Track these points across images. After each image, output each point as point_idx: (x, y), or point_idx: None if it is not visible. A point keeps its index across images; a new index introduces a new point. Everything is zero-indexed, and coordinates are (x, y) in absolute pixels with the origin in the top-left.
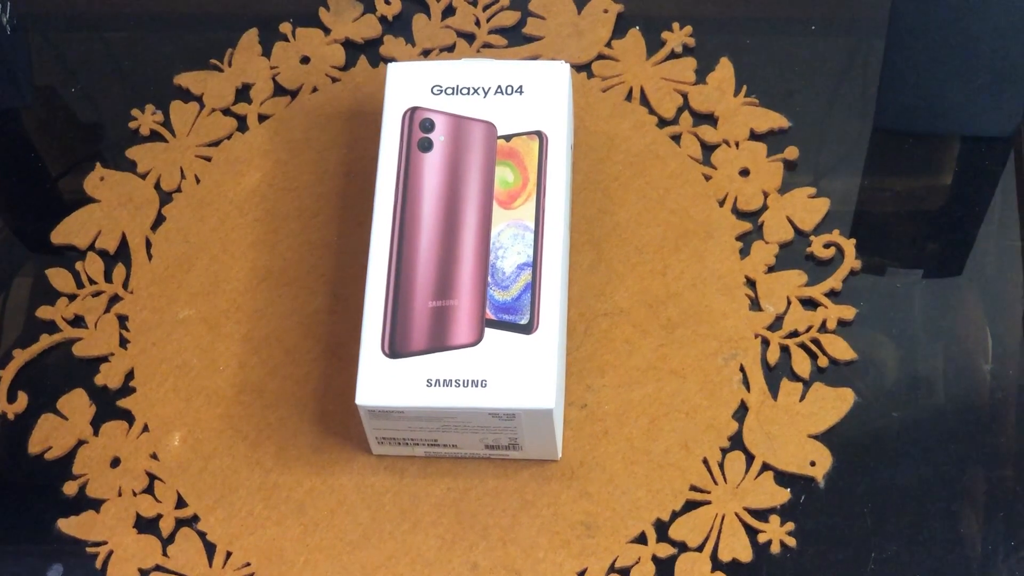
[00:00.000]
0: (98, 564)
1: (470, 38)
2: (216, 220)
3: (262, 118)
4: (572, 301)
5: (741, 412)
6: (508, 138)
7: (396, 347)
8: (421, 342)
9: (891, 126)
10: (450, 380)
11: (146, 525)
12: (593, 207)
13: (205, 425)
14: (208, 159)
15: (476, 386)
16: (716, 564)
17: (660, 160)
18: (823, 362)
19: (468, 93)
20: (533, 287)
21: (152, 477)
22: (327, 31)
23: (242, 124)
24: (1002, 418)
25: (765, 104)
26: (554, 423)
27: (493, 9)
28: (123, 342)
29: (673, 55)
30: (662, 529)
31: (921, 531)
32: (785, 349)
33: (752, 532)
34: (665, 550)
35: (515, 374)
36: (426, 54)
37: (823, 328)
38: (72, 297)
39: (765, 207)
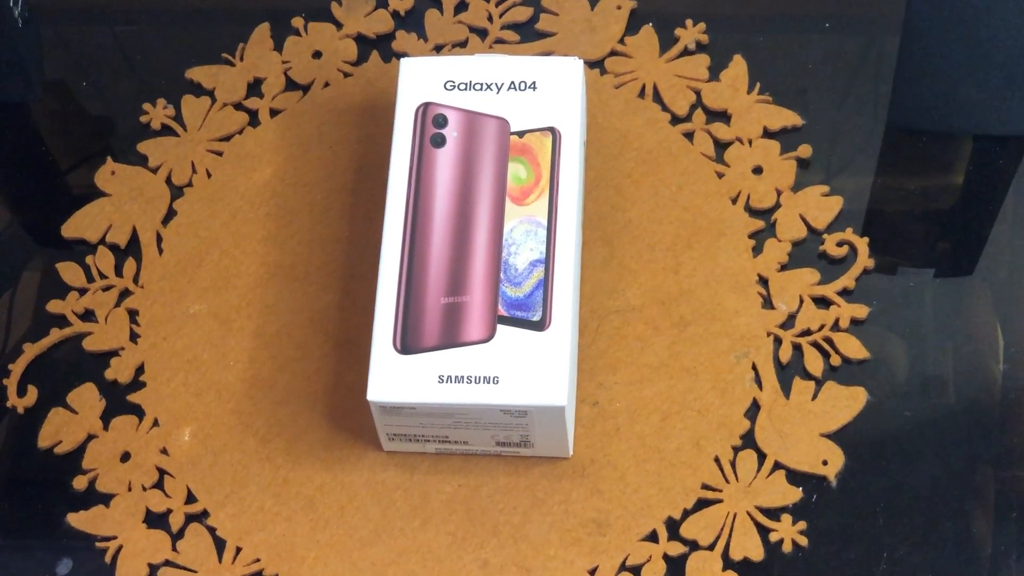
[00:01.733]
0: (107, 559)
1: (483, 34)
2: (227, 215)
3: (274, 113)
4: (584, 298)
5: (753, 410)
6: (521, 134)
7: (408, 343)
8: (433, 338)
9: (905, 124)
10: (462, 376)
11: (156, 520)
12: (606, 204)
13: (215, 420)
14: (219, 154)
15: (488, 383)
16: (727, 563)
17: (673, 157)
18: (835, 361)
19: (481, 89)
20: (545, 284)
21: (162, 472)
22: (339, 26)
23: (254, 119)
24: (1014, 418)
25: (778, 102)
26: (566, 420)
27: (506, 4)
28: (133, 337)
29: (686, 52)
30: (673, 527)
31: (933, 531)
32: (797, 347)
33: (764, 531)
34: (676, 548)
35: (527, 371)
36: (438, 49)
37: (836, 327)
38: (82, 291)
39: (778, 205)
